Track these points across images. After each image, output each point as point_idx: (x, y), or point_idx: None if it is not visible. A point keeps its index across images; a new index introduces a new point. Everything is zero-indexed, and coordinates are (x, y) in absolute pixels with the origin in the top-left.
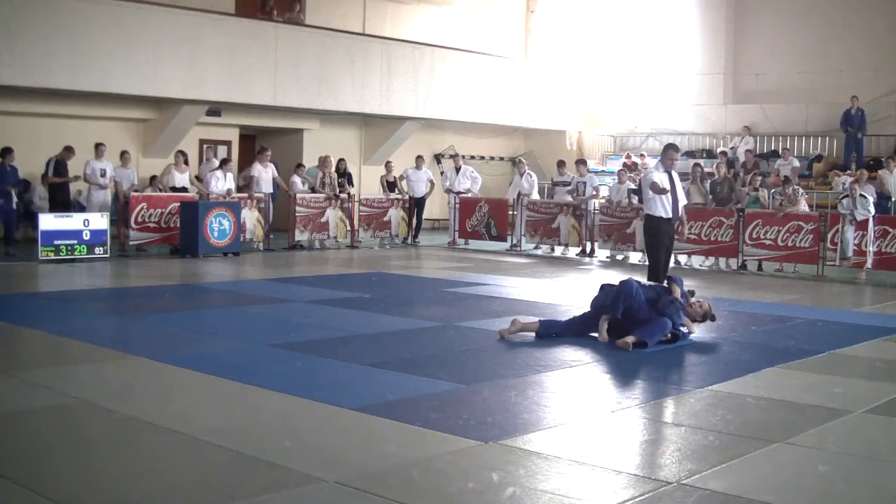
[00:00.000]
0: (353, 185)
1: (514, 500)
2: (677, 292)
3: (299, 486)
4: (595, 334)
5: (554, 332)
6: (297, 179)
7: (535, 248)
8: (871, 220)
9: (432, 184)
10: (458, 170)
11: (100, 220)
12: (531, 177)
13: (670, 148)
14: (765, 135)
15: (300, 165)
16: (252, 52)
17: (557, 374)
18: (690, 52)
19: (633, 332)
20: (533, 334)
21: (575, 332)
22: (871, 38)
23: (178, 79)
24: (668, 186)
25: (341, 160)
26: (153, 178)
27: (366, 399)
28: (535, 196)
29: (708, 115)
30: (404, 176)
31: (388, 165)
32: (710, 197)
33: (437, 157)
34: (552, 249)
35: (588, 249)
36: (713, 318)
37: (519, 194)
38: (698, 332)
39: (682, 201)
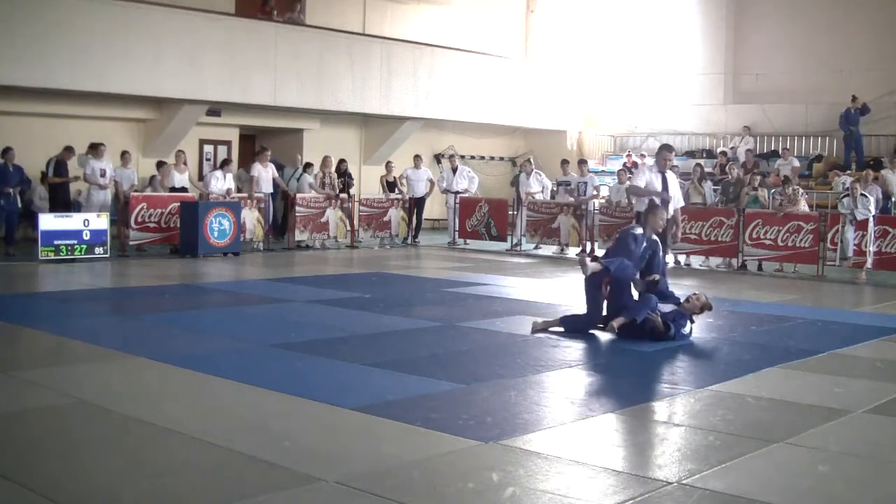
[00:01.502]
0: (353, 185)
1: (514, 500)
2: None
3: (299, 486)
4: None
5: (579, 327)
6: (308, 179)
7: (535, 248)
8: (871, 220)
9: (432, 183)
10: (454, 170)
11: (100, 221)
12: (540, 175)
13: (664, 148)
14: (765, 135)
15: (310, 165)
16: (252, 52)
17: (557, 374)
18: (690, 52)
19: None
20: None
21: (595, 319)
22: (872, 38)
23: (178, 79)
24: (657, 187)
25: (342, 161)
26: (153, 177)
27: (366, 399)
28: (547, 196)
29: (708, 115)
30: (404, 176)
31: (388, 165)
32: (722, 197)
33: (437, 157)
34: (560, 250)
35: (588, 249)
36: (710, 308)
37: (524, 194)
38: (698, 332)
39: (679, 203)
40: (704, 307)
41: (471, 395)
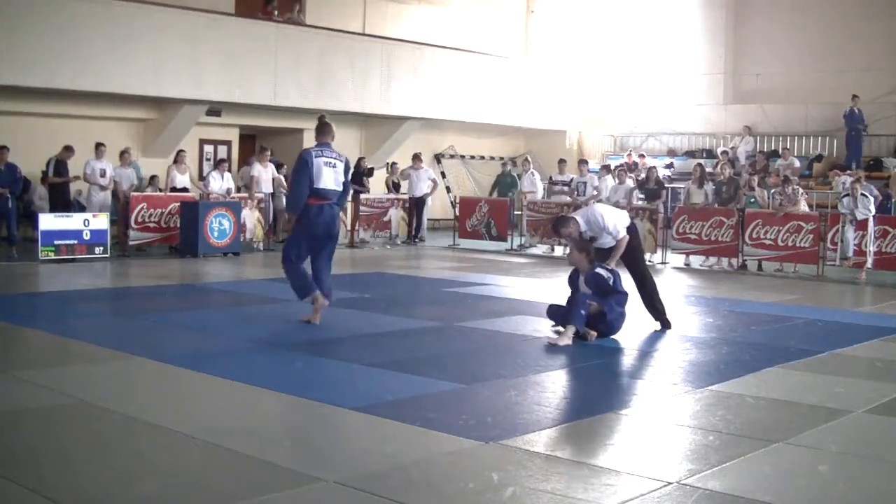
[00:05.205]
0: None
1: (514, 500)
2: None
3: (299, 486)
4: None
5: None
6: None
7: (532, 246)
8: (871, 219)
9: (434, 183)
10: (419, 172)
11: (100, 221)
12: (533, 175)
13: (553, 230)
14: (765, 135)
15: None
16: (252, 52)
17: (557, 374)
18: (691, 53)
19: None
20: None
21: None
22: (871, 38)
23: (178, 79)
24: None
25: (361, 158)
26: (153, 177)
27: (366, 399)
28: (539, 196)
29: (708, 115)
30: (406, 175)
31: (393, 167)
32: (716, 198)
33: (438, 157)
34: (552, 249)
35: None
36: (580, 233)
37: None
38: (698, 332)
39: (616, 237)
40: (583, 238)
41: (471, 395)
